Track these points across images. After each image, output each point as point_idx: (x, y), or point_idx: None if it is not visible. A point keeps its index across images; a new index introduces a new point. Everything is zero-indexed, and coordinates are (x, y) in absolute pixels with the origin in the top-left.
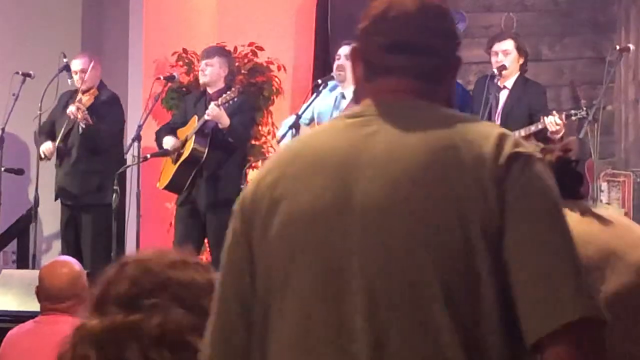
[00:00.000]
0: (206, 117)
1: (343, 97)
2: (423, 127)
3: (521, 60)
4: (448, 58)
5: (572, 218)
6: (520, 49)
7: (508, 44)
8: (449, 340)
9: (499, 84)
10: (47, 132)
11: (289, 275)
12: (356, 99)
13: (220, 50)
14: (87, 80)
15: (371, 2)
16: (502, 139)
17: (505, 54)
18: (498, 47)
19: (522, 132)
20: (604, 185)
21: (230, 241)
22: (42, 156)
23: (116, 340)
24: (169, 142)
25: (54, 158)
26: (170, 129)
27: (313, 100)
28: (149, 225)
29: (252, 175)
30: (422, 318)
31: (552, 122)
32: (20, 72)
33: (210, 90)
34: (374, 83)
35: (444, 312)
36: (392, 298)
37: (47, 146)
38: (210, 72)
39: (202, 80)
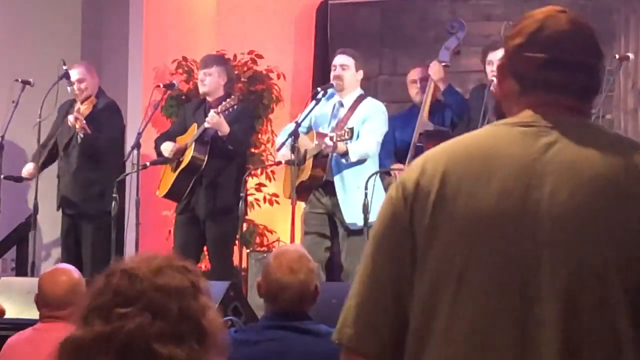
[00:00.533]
0: (206, 124)
1: (341, 105)
2: (601, 145)
3: None
4: (599, 77)
5: None
6: None
7: (501, 54)
8: (632, 358)
9: (493, 92)
10: (45, 146)
11: (464, 274)
12: (498, 111)
13: (218, 59)
14: (85, 89)
15: (523, 20)
16: None
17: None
18: (492, 56)
19: None
20: None
21: (387, 225)
22: (24, 176)
23: (87, 353)
24: (167, 147)
25: (54, 165)
26: (169, 136)
27: (312, 108)
28: (148, 233)
29: (412, 165)
30: (612, 333)
31: None
32: (20, 80)
33: (209, 99)
34: (529, 97)
35: (630, 329)
36: (586, 311)
37: (28, 168)
38: (209, 82)
39: (201, 90)
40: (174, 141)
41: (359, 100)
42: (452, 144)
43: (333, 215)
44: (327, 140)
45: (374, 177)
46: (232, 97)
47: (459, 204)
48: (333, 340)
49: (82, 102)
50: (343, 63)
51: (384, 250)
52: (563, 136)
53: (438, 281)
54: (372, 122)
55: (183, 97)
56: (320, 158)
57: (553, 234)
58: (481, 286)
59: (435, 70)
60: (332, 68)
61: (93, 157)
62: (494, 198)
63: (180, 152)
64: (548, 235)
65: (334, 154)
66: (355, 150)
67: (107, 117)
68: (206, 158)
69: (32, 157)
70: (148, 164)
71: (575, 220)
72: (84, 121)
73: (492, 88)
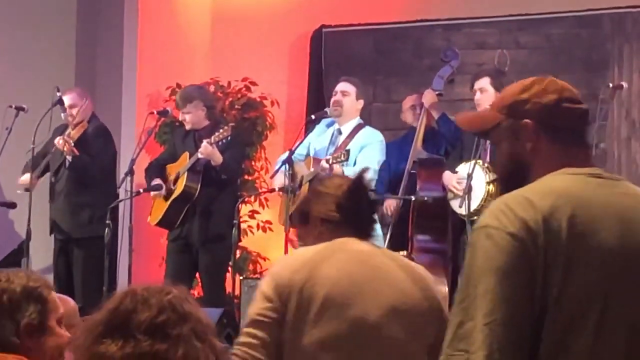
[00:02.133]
0: (199, 155)
1: (339, 132)
2: None
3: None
4: None
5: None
6: (497, 87)
7: (484, 82)
8: None
9: None
10: (36, 164)
11: (606, 306)
12: (528, 164)
13: (189, 96)
14: (77, 115)
15: (538, 82)
16: None
17: (482, 92)
18: (477, 84)
19: None
20: None
21: (514, 264)
22: (21, 184)
23: None
24: (154, 193)
25: (46, 192)
26: (159, 164)
27: (307, 136)
28: (141, 260)
29: (519, 200)
30: None
31: None
32: (14, 106)
33: (197, 128)
34: (570, 151)
35: None
36: None
37: (25, 178)
38: (190, 119)
39: (186, 126)
40: (164, 168)
41: (358, 128)
42: (561, 188)
43: None
44: (323, 163)
45: None
46: (225, 128)
47: (590, 240)
48: None
49: (73, 128)
50: (344, 89)
51: (516, 290)
52: (626, 187)
53: (574, 313)
54: (369, 149)
55: (177, 124)
56: None
57: None
58: (625, 322)
59: (428, 98)
60: (333, 93)
61: (82, 182)
62: (614, 238)
63: (172, 181)
64: None
65: None
66: (351, 175)
67: (96, 141)
68: (199, 187)
69: (25, 168)
70: (142, 190)
71: None
72: (72, 143)
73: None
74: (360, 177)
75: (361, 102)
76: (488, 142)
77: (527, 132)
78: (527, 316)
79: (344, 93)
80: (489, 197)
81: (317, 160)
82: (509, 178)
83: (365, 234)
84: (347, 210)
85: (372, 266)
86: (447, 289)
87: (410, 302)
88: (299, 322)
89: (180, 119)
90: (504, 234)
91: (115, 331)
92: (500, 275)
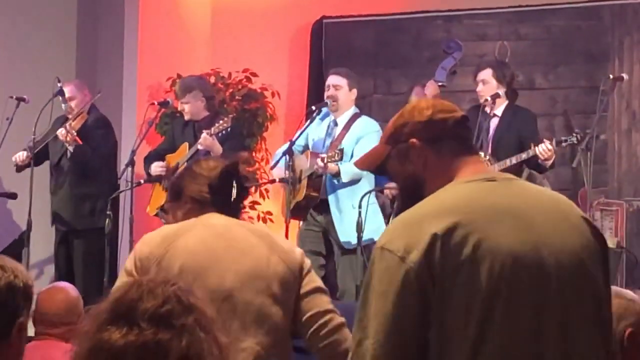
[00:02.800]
0: (199, 146)
1: (335, 124)
2: (538, 191)
3: (502, 89)
4: None
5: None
6: (499, 78)
7: (486, 74)
8: None
9: (488, 111)
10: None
11: (487, 318)
12: (422, 180)
13: (188, 86)
14: (75, 107)
15: (411, 106)
16: None
17: (484, 83)
18: (479, 76)
19: (514, 160)
20: (597, 214)
21: (403, 289)
22: (15, 163)
23: (142, 358)
24: (154, 170)
25: (47, 183)
26: (158, 155)
27: (307, 127)
28: None
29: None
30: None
31: (543, 149)
32: (15, 97)
33: (196, 119)
34: (464, 156)
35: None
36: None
37: (20, 154)
38: (189, 109)
39: (185, 116)
40: (163, 158)
41: (354, 119)
42: (440, 199)
43: (328, 233)
44: (318, 161)
45: (368, 195)
46: (225, 119)
47: (487, 245)
48: None
49: (74, 119)
50: (336, 83)
51: (402, 309)
52: (517, 187)
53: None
54: (366, 141)
55: (177, 115)
56: (315, 178)
57: (558, 263)
58: (510, 320)
59: (430, 89)
60: (326, 88)
61: (84, 172)
62: (508, 238)
63: (171, 172)
64: (554, 266)
65: (326, 175)
66: (347, 170)
67: (97, 132)
68: None
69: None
70: (142, 181)
71: (573, 262)
72: (74, 133)
73: (486, 108)
74: (234, 163)
75: (354, 92)
76: (490, 134)
77: (414, 150)
78: (415, 338)
79: (336, 87)
80: None
81: (314, 155)
82: (408, 197)
83: (230, 214)
84: (217, 192)
85: (228, 238)
86: None
87: (266, 268)
88: None
89: (179, 109)
90: (396, 258)
91: (120, 319)
92: (390, 298)
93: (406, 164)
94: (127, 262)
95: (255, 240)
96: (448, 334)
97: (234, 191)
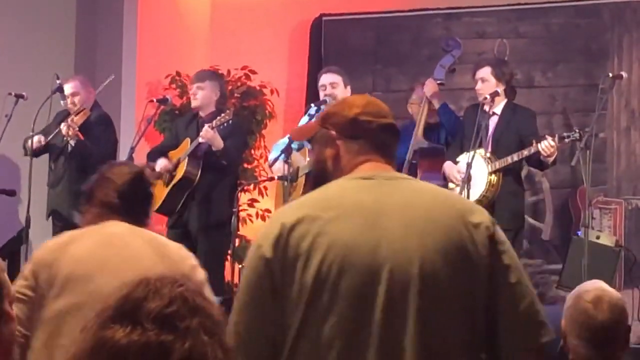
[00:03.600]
0: (200, 139)
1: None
2: (422, 193)
3: (501, 87)
4: None
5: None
6: (498, 76)
7: (485, 72)
8: None
9: (487, 110)
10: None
11: (336, 287)
12: (329, 169)
13: (211, 74)
14: (78, 103)
15: (349, 98)
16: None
17: (483, 81)
18: (477, 74)
19: (515, 157)
20: (596, 213)
21: (256, 281)
22: (29, 147)
23: (144, 358)
24: (160, 163)
25: (45, 180)
26: (161, 151)
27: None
28: None
29: (277, 216)
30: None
31: (546, 145)
32: (13, 93)
33: (202, 114)
34: (369, 156)
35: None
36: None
37: (36, 139)
38: (202, 96)
39: (193, 104)
40: (166, 155)
41: None
42: (303, 198)
43: None
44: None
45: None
46: (227, 112)
47: (325, 239)
48: None
49: (76, 115)
50: (332, 81)
51: (253, 292)
52: (395, 187)
53: (306, 300)
54: None
55: (176, 112)
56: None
57: (397, 265)
58: (348, 302)
59: (429, 87)
60: (321, 88)
61: (83, 168)
62: (353, 233)
63: (172, 167)
64: (394, 266)
65: None
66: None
67: (99, 129)
68: (199, 173)
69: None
70: None
71: (411, 258)
72: (76, 128)
73: (486, 107)
74: (142, 170)
75: (349, 89)
76: (489, 133)
77: (331, 141)
78: (268, 320)
79: (333, 85)
80: (490, 188)
81: (311, 152)
82: (316, 179)
83: (137, 220)
84: (125, 197)
85: (119, 246)
86: None
87: None
88: (47, 296)
89: (191, 93)
90: (258, 251)
91: (124, 317)
92: (248, 283)
93: (323, 148)
94: (25, 267)
95: (147, 250)
96: (287, 320)
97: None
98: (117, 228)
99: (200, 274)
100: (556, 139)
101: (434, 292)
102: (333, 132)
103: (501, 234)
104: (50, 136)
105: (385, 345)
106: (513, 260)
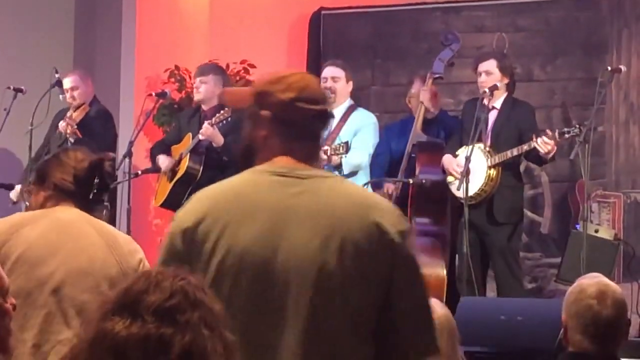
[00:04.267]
0: (200, 136)
1: (332, 116)
2: (338, 196)
3: (505, 80)
4: None
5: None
6: (503, 69)
7: (490, 64)
8: None
9: (487, 104)
10: (39, 156)
11: (231, 300)
12: (246, 153)
13: (214, 68)
14: (77, 97)
15: (283, 78)
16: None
17: (488, 74)
18: (481, 67)
19: (515, 151)
20: (595, 206)
21: (166, 258)
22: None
23: (143, 351)
24: (164, 162)
25: None
26: (164, 145)
27: None
28: (139, 242)
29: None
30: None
31: (542, 142)
32: (12, 87)
33: (204, 107)
34: (294, 145)
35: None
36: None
37: (15, 191)
38: (205, 90)
39: (196, 97)
40: (169, 151)
41: (350, 111)
42: (217, 189)
43: None
44: (321, 154)
45: (366, 186)
46: (227, 108)
47: (225, 241)
48: None
49: (75, 110)
50: (334, 75)
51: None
52: (310, 187)
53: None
54: (363, 133)
55: (175, 106)
56: None
57: (295, 272)
58: (243, 310)
59: (424, 95)
60: (323, 80)
61: None
62: (253, 237)
63: (175, 163)
64: (292, 273)
65: (327, 167)
66: (348, 163)
67: (98, 124)
68: (201, 169)
69: (26, 170)
70: (140, 172)
71: (311, 263)
72: (75, 126)
73: (485, 100)
74: (101, 159)
75: (351, 84)
76: (489, 127)
77: (263, 121)
78: None
79: (334, 79)
80: (489, 182)
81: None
82: (244, 158)
83: (89, 208)
84: (80, 184)
85: (70, 234)
86: (445, 271)
87: (99, 268)
88: None
89: (194, 86)
90: (173, 231)
91: (125, 310)
92: (159, 264)
93: (253, 127)
94: None
95: (97, 239)
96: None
97: (96, 186)
98: (70, 214)
99: (147, 267)
100: (556, 134)
101: (331, 300)
102: (267, 113)
103: (410, 239)
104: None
105: (281, 350)
106: (414, 268)
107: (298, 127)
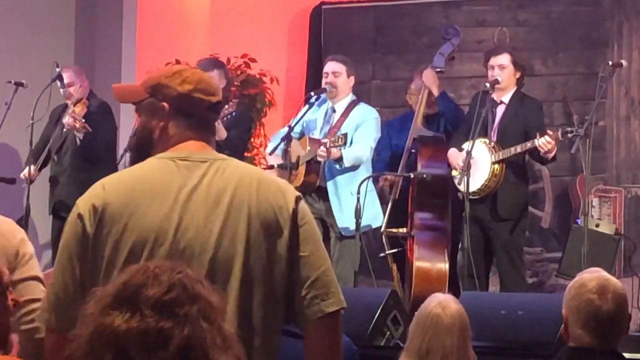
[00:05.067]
0: None
1: (333, 110)
2: (237, 176)
3: (517, 75)
4: None
5: None
6: (516, 64)
7: (504, 58)
8: None
9: (495, 98)
10: (38, 152)
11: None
12: (155, 140)
13: (216, 62)
14: (75, 93)
15: (182, 71)
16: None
17: (501, 68)
18: (494, 61)
19: (519, 148)
20: (595, 201)
21: (70, 241)
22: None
23: (143, 345)
24: None
25: (46, 169)
26: None
27: (305, 113)
28: None
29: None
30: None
31: (543, 142)
32: (13, 82)
33: None
34: (193, 134)
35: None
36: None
37: (25, 172)
38: None
39: None
40: None
41: (352, 106)
42: (121, 176)
43: (325, 220)
44: (321, 149)
45: (366, 182)
46: (230, 103)
47: (134, 224)
48: None
49: (74, 105)
50: (335, 70)
51: (66, 252)
52: (211, 169)
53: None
54: (365, 128)
55: None
56: (314, 164)
57: (196, 247)
58: None
59: (428, 77)
60: (324, 75)
61: (89, 159)
62: (161, 218)
63: None
64: (192, 249)
65: (327, 161)
66: (349, 156)
67: (100, 118)
68: None
69: (27, 161)
70: None
71: (216, 240)
72: (84, 121)
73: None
74: None
75: (352, 79)
76: (496, 121)
77: (162, 113)
78: (77, 283)
79: (335, 74)
80: (493, 177)
81: (313, 140)
82: (139, 149)
83: None
84: None
85: None
86: (447, 265)
87: None
88: None
89: None
90: (76, 216)
91: (124, 304)
92: (62, 248)
93: (151, 118)
94: None
95: None
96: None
97: None
98: None
99: (30, 247)
100: (559, 133)
101: (231, 275)
102: (165, 105)
103: (304, 208)
104: (49, 144)
105: None
106: (310, 233)
107: (195, 117)
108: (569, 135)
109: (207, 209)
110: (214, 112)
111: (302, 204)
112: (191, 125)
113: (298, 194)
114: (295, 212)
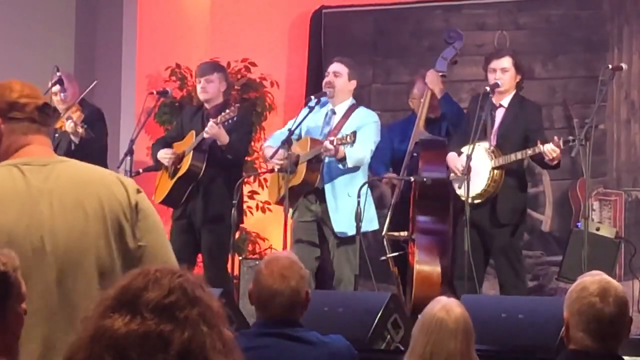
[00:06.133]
0: (205, 135)
1: (333, 113)
2: (78, 176)
3: (518, 78)
4: None
5: None
6: (518, 67)
7: (506, 61)
8: None
9: (494, 102)
10: None
11: None
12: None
13: (217, 66)
14: (64, 100)
15: (4, 84)
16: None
17: (504, 72)
18: (496, 64)
19: (519, 155)
20: (596, 205)
21: None
22: None
23: (143, 348)
24: (165, 154)
25: None
26: (166, 142)
27: (306, 116)
28: None
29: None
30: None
31: (550, 149)
32: None
33: (207, 106)
34: (30, 138)
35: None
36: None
37: None
38: (211, 89)
39: (202, 97)
40: (170, 147)
41: (352, 109)
42: None
43: (322, 222)
44: (327, 144)
45: (366, 185)
46: (232, 108)
47: None
48: None
49: (66, 110)
50: (336, 70)
51: None
52: (52, 171)
53: None
54: (365, 131)
55: (176, 104)
56: (314, 163)
57: (52, 239)
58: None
59: (431, 79)
60: (325, 74)
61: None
62: (13, 222)
63: (177, 160)
64: (43, 250)
65: (328, 161)
66: (352, 156)
67: (95, 124)
68: (204, 166)
69: None
70: (141, 170)
71: (64, 232)
72: (85, 125)
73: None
74: None
75: (354, 83)
76: (496, 125)
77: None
78: None
79: (336, 74)
80: (492, 182)
81: (314, 141)
82: None
83: None
84: None
85: None
86: (439, 269)
87: None
88: None
89: (200, 85)
90: None
91: (124, 307)
92: None
93: None
94: None
95: None
96: None
97: None
98: None
99: None
100: (560, 142)
101: (80, 271)
102: None
103: (144, 201)
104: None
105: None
106: (151, 224)
107: (27, 121)
108: (570, 144)
109: (54, 210)
110: (44, 112)
111: (143, 195)
112: (26, 129)
113: (138, 186)
114: (137, 203)
